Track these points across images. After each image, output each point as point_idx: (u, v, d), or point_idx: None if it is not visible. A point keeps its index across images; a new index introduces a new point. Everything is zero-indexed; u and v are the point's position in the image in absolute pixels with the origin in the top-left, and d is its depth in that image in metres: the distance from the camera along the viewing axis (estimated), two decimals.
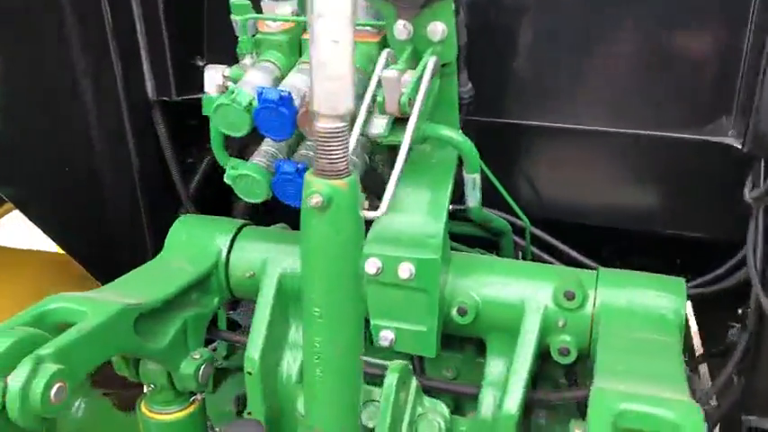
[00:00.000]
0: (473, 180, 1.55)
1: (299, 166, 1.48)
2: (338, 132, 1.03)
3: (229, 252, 1.75)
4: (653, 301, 1.48)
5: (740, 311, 1.63)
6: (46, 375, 1.19)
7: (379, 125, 1.41)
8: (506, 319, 1.54)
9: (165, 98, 1.97)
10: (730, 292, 1.76)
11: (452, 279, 1.57)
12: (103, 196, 1.98)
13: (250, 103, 1.41)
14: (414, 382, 1.49)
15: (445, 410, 1.50)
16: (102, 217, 2.00)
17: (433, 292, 1.49)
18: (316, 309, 1.11)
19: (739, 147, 1.61)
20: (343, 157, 1.05)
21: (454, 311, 1.55)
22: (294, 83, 1.47)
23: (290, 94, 1.38)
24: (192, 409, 1.71)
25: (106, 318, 1.36)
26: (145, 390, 1.74)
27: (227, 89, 1.61)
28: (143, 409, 1.71)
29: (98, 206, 1.98)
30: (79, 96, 1.84)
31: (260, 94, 1.38)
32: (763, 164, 1.55)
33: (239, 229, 1.78)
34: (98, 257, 2.00)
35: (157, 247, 2.02)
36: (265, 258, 1.71)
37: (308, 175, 1.06)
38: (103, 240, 2.01)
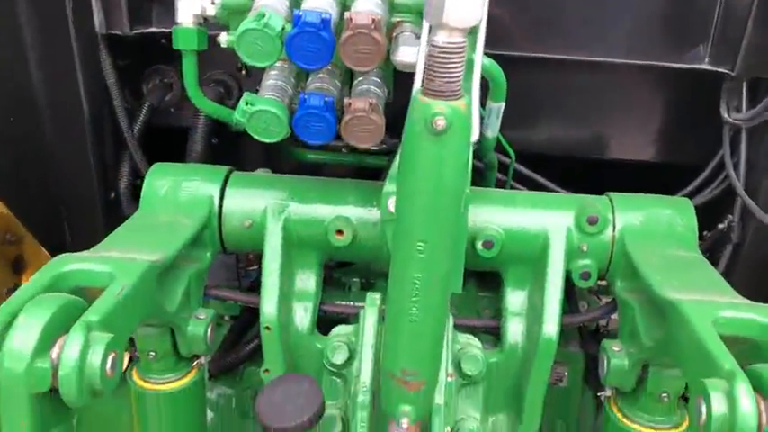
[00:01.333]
0: (498, 109, 1.52)
1: (326, 99, 1.36)
2: (460, 48, 0.94)
3: (221, 201, 1.58)
4: (668, 220, 1.55)
5: (722, 225, 1.76)
6: (102, 345, 1.01)
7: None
8: (530, 249, 1.55)
9: (115, 32, 1.72)
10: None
11: (474, 212, 1.54)
12: (47, 141, 1.72)
13: (283, 29, 1.26)
14: (451, 319, 1.46)
15: (479, 344, 1.50)
16: (47, 167, 1.74)
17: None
18: (420, 243, 1.03)
19: (717, 71, 1.71)
20: (461, 75, 0.97)
21: (480, 245, 1.53)
22: (318, 4, 1.33)
23: (330, 16, 1.26)
24: (194, 374, 1.55)
25: (139, 277, 1.18)
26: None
27: (216, 17, 1.45)
28: (136, 379, 1.52)
29: (42, 154, 1.72)
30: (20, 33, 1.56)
31: (298, 17, 1.24)
32: (746, 87, 1.66)
33: (227, 176, 1.62)
34: (41, 202, 1.74)
35: (105, 190, 1.85)
36: (264, 206, 1.57)
37: (420, 97, 0.97)
38: (48, 190, 1.76)
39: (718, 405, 0.97)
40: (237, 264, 1.92)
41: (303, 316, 1.58)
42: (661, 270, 1.39)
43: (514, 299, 1.59)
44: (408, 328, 1.12)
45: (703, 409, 0.99)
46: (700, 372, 1.05)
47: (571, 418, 1.86)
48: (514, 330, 1.57)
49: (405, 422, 1.20)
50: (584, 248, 1.54)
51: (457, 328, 1.58)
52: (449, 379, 1.41)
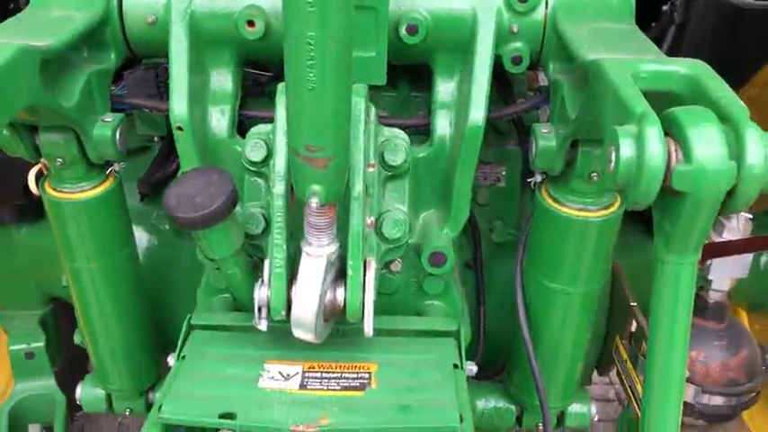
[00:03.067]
0: None
1: None
2: None
3: None
4: None
5: (665, 7, 1.66)
6: None
7: None
8: (458, 33, 1.44)
9: None
10: None
11: None
12: None
13: None
14: (373, 109, 1.38)
15: (406, 137, 1.43)
16: None
17: (383, 10, 1.36)
18: None
19: None
20: None
21: (403, 30, 1.42)
22: None
23: None
24: (110, 184, 1.49)
25: (12, 56, 1.08)
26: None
27: None
28: (48, 189, 1.46)
29: None
30: None
31: None
32: None
33: None
34: None
35: None
36: None
37: None
38: None
39: (627, 149, 0.92)
40: (157, 78, 1.80)
41: (220, 118, 1.49)
42: (590, 40, 1.30)
43: (444, 89, 1.50)
44: (307, 98, 1.04)
45: (613, 156, 0.94)
46: (615, 123, 0.99)
47: (511, 218, 1.85)
48: (443, 123, 1.50)
49: (314, 202, 1.14)
50: (515, 29, 1.44)
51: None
52: (370, 169, 1.36)
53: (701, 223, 0.93)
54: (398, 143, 1.40)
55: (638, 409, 1.63)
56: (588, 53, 1.21)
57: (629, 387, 1.65)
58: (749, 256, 1.48)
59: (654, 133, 0.90)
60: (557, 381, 1.68)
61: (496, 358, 1.86)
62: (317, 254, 1.24)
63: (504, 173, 1.79)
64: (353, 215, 1.27)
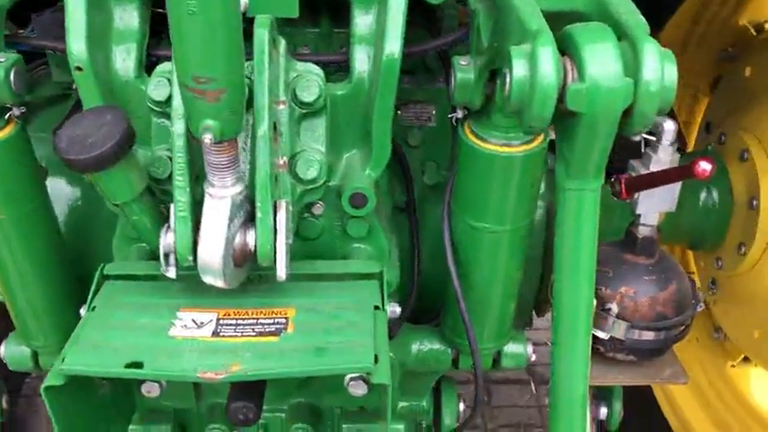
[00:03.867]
0: None
1: None
2: None
3: None
4: None
5: None
6: None
7: None
8: None
9: None
10: None
11: None
12: None
13: None
14: (283, 42, 1.32)
15: (320, 72, 1.36)
16: None
17: None
18: None
19: None
20: None
21: None
22: None
23: None
24: (10, 130, 1.41)
25: None
26: None
27: None
28: None
29: None
30: None
31: None
32: None
33: None
34: None
35: None
36: None
37: None
38: None
39: (520, 68, 0.87)
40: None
41: (126, 58, 1.41)
42: None
43: (361, 22, 1.44)
44: (188, 23, 0.97)
45: (508, 78, 0.89)
46: (516, 44, 0.94)
47: (443, 159, 1.80)
48: (361, 58, 1.43)
49: (207, 138, 1.08)
50: None
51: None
52: (280, 107, 1.30)
53: (599, 145, 0.89)
54: (311, 79, 1.33)
55: None
56: None
57: None
58: (676, 190, 1.45)
59: (546, 51, 0.85)
60: (490, 321, 1.66)
61: (435, 302, 1.84)
62: (221, 195, 1.19)
63: (434, 112, 1.74)
64: (259, 155, 1.22)
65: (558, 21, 0.96)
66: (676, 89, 0.85)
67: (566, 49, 0.87)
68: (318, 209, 1.46)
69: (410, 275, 1.76)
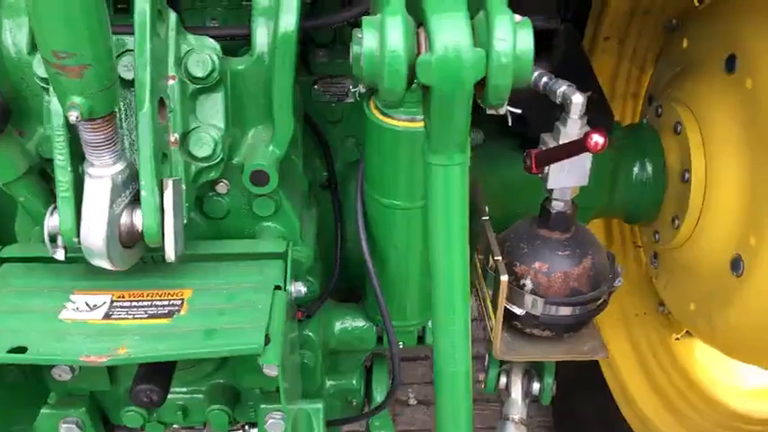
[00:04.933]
0: None
1: None
2: None
3: None
4: None
5: None
6: None
7: None
8: None
9: None
10: None
11: None
12: None
13: None
14: (173, 15, 1.27)
15: (216, 45, 1.32)
16: None
17: None
18: None
19: None
20: None
21: None
22: None
23: None
24: None
25: None
26: None
27: None
28: None
29: None
30: None
31: None
32: None
33: None
34: None
35: None
36: None
37: None
38: None
39: (370, 40, 0.84)
40: None
41: (17, 33, 1.37)
42: None
43: None
44: None
45: (360, 50, 0.86)
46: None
47: (363, 134, 1.77)
48: (262, 32, 1.39)
49: (73, 115, 1.05)
50: None
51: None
52: (170, 82, 1.26)
53: (456, 119, 0.86)
54: (204, 53, 1.29)
55: (488, 324, 1.61)
56: None
57: (482, 300, 1.63)
58: (587, 165, 1.43)
59: (394, 22, 0.82)
60: (411, 298, 1.65)
61: (362, 280, 1.82)
62: (100, 174, 1.15)
63: (351, 87, 1.70)
64: (142, 132, 1.18)
65: None
66: (532, 60, 0.82)
67: (422, 19, 0.84)
68: (223, 187, 1.43)
69: (334, 254, 1.74)
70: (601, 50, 2.57)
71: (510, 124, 1.05)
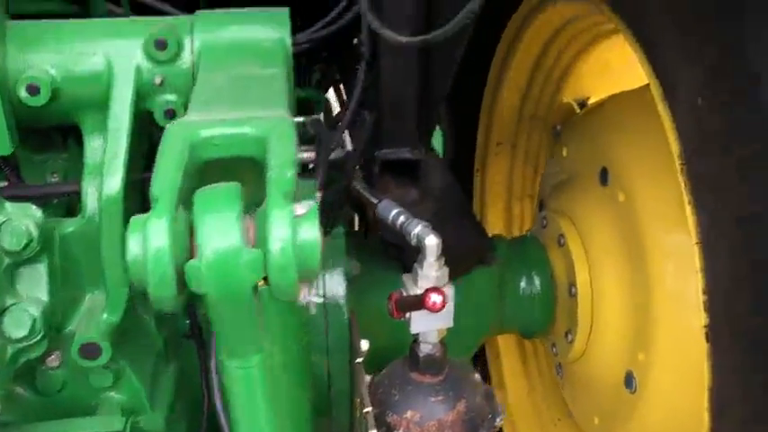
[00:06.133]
0: None
1: None
2: None
3: None
4: (256, 35, 1.30)
5: (355, 41, 1.54)
6: None
7: None
8: (94, 90, 1.27)
9: None
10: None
11: (14, 52, 1.24)
12: None
13: None
14: None
15: (37, 213, 1.23)
16: None
17: None
18: None
19: None
20: None
21: (23, 92, 1.23)
22: None
23: None
24: None
25: None
26: None
27: None
28: None
29: None
30: None
31: None
32: None
33: None
34: None
35: None
36: None
37: None
38: None
39: (134, 245, 0.75)
40: None
41: None
42: (213, 91, 1.14)
43: (93, 154, 1.32)
44: None
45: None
46: None
47: None
48: (92, 191, 1.30)
49: None
50: (159, 81, 1.27)
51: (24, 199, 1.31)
52: None
53: (242, 324, 0.78)
54: (19, 224, 1.19)
55: None
56: (190, 113, 1.05)
57: None
58: (451, 306, 1.36)
59: (158, 225, 0.74)
60: None
61: None
62: None
63: None
64: None
65: (235, 169, 0.86)
66: (319, 251, 0.75)
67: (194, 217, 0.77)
68: (54, 360, 1.30)
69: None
70: (494, 154, 2.58)
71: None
